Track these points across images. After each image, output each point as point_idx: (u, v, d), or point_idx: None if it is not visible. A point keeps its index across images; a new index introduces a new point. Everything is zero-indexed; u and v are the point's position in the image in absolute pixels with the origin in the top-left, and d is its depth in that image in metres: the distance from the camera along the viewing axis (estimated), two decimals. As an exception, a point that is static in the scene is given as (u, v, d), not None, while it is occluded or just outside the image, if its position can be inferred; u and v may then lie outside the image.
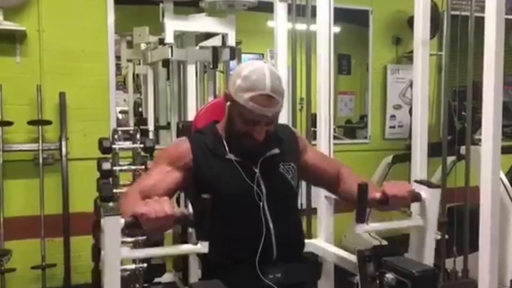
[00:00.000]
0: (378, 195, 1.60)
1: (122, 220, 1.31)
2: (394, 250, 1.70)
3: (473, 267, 2.78)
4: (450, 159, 3.30)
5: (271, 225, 1.63)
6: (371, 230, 1.60)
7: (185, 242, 3.54)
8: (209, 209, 1.33)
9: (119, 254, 1.30)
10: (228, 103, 1.66)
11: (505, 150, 2.24)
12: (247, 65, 1.64)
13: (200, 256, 1.77)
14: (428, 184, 1.70)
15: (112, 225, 1.28)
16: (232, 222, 1.64)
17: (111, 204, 1.34)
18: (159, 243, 2.80)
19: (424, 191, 1.66)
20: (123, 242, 1.36)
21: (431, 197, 1.64)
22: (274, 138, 1.71)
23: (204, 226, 1.35)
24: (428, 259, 1.70)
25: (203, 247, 1.36)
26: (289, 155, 1.77)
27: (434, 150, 2.87)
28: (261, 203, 1.65)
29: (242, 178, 1.64)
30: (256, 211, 1.64)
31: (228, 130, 1.70)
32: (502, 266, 2.72)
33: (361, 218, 1.54)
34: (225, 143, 1.69)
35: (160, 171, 1.67)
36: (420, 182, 1.72)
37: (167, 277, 3.61)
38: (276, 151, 1.72)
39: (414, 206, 1.73)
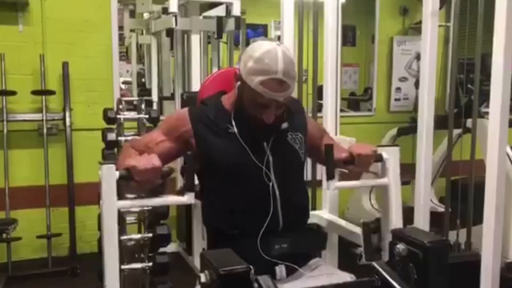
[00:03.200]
0: (344, 155, 1.71)
1: (117, 172, 1.46)
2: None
3: (476, 240, 2.79)
4: (456, 132, 3.29)
5: (277, 195, 1.64)
6: (341, 187, 1.83)
7: (190, 214, 3.58)
8: (191, 164, 1.49)
9: (115, 199, 1.46)
10: (238, 83, 1.63)
11: (511, 124, 2.22)
12: (260, 46, 1.58)
13: (207, 226, 1.78)
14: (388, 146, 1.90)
15: (109, 173, 1.44)
16: (238, 193, 1.64)
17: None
18: (164, 215, 2.82)
19: (384, 151, 1.80)
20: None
21: (390, 155, 1.80)
22: (284, 112, 1.69)
23: (188, 179, 1.50)
24: (396, 216, 1.81)
25: (189, 197, 1.51)
26: (297, 126, 1.77)
27: (439, 122, 2.85)
28: (270, 183, 1.63)
29: (245, 150, 1.62)
30: (263, 181, 1.63)
31: (236, 107, 1.67)
32: (506, 239, 2.74)
33: (329, 175, 1.69)
34: (232, 118, 1.67)
35: (154, 139, 1.71)
36: (381, 145, 1.91)
37: (171, 247, 3.65)
38: (285, 125, 1.70)
39: (378, 167, 1.88)
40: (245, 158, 1.63)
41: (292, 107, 1.77)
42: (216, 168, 1.65)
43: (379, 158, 1.79)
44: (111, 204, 1.45)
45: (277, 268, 1.62)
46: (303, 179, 1.85)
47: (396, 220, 1.76)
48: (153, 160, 1.46)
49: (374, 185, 2.05)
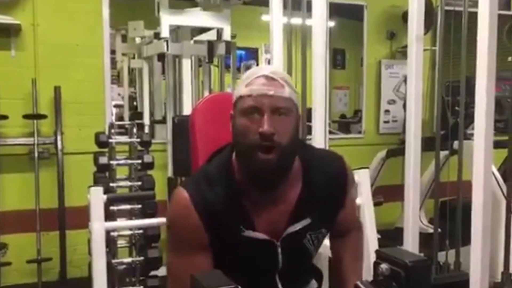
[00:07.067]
0: None
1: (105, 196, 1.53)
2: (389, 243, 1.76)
3: (465, 260, 2.81)
4: (443, 153, 3.33)
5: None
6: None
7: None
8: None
9: (103, 219, 1.56)
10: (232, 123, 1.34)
11: (497, 145, 2.26)
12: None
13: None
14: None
15: (96, 195, 1.55)
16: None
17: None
18: (156, 238, 2.82)
19: (356, 174, 1.91)
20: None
21: (361, 178, 1.95)
22: (308, 198, 1.37)
23: None
24: (371, 235, 1.88)
25: None
26: (323, 220, 1.42)
27: (427, 144, 2.89)
28: (275, 277, 1.41)
29: (256, 255, 1.36)
30: (269, 283, 1.42)
31: (241, 164, 1.34)
32: (494, 259, 2.76)
33: None
34: (244, 197, 1.33)
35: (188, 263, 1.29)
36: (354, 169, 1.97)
37: (163, 271, 3.62)
38: (306, 222, 1.37)
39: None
40: (252, 265, 1.37)
41: (326, 187, 1.39)
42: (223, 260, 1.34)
43: None
44: (99, 224, 1.48)
45: None
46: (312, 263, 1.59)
47: (371, 236, 1.81)
48: None
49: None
